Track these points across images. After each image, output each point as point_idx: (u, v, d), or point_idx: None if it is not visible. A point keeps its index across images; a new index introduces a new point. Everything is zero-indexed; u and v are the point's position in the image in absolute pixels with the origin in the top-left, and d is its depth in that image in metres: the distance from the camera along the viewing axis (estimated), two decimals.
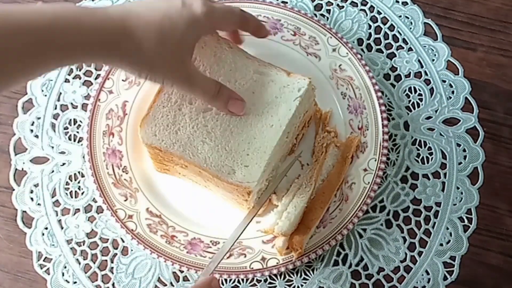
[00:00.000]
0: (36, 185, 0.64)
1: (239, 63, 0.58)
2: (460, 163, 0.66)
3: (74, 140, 0.66)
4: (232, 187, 0.55)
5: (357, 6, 0.73)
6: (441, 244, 0.63)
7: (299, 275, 0.61)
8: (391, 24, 0.72)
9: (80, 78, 0.68)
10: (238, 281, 0.60)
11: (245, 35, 0.68)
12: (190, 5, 0.50)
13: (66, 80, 0.68)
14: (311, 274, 0.61)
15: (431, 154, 0.66)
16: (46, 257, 0.61)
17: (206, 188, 0.61)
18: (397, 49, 0.71)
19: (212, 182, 0.57)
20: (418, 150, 0.66)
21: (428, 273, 0.62)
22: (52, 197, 0.63)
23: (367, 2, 0.73)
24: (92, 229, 0.62)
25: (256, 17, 0.59)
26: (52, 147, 0.65)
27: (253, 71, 0.58)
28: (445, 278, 0.62)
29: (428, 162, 0.66)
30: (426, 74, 0.70)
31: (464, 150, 0.66)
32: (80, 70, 0.69)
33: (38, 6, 0.42)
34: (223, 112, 0.56)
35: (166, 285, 0.61)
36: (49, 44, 0.42)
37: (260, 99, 0.57)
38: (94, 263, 0.61)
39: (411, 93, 0.69)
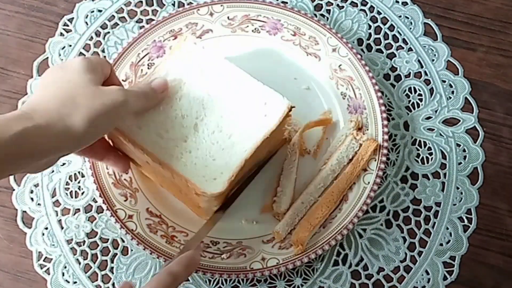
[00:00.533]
0: (36, 185, 0.64)
1: (215, 77, 0.57)
2: (460, 163, 0.66)
3: None
4: (189, 188, 0.54)
5: (357, 6, 0.73)
6: (441, 244, 0.63)
7: (299, 275, 0.61)
8: (391, 24, 0.72)
9: None
10: (238, 281, 0.60)
11: (245, 35, 0.69)
12: (67, 64, 0.49)
13: None
14: (311, 274, 0.61)
15: (431, 154, 0.66)
16: (46, 257, 0.61)
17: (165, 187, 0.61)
18: (397, 49, 0.71)
19: (176, 185, 0.57)
20: (418, 150, 0.66)
21: (428, 273, 0.62)
22: (52, 197, 0.63)
23: (367, 2, 0.73)
24: (92, 229, 0.62)
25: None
26: None
27: (232, 85, 0.56)
28: (445, 278, 0.62)
29: (428, 162, 0.66)
30: (426, 74, 0.70)
31: (464, 150, 0.66)
32: None
33: None
34: (159, 101, 0.54)
35: None
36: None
37: (237, 114, 0.55)
38: (94, 263, 0.61)
39: (411, 93, 0.69)
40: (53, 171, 0.64)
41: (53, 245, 0.61)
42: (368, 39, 0.71)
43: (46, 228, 0.62)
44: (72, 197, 0.63)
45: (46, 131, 0.44)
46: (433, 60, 0.70)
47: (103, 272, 0.61)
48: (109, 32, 0.70)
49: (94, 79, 0.48)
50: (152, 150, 0.53)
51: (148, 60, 0.66)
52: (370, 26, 0.72)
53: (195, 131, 0.55)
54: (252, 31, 0.69)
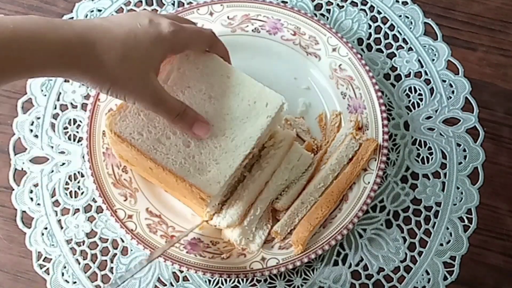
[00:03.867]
0: (35, 185, 0.64)
1: (211, 75, 0.57)
2: (460, 163, 0.66)
3: (74, 140, 0.65)
4: (193, 192, 0.54)
5: (357, 5, 0.73)
6: (441, 244, 0.63)
7: (299, 275, 0.61)
8: (391, 24, 0.72)
9: None
10: (238, 281, 0.60)
11: (245, 35, 0.69)
12: (158, 24, 0.50)
13: (66, 80, 0.68)
14: (311, 274, 0.61)
15: (431, 154, 0.66)
16: (45, 257, 0.61)
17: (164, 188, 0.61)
18: (397, 49, 0.71)
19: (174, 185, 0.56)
20: (418, 150, 0.66)
21: (428, 273, 0.62)
22: (52, 197, 0.63)
23: (367, 2, 0.73)
24: (92, 229, 0.62)
25: (223, 44, 0.58)
26: (52, 147, 0.65)
27: (225, 82, 0.57)
28: (445, 278, 0.62)
29: (428, 162, 0.66)
30: (426, 74, 0.70)
31: (464, 150, 0.66)
32: None
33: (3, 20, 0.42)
34: (187, 133, 0.54)
35: (166, 285, 0.61)
36: (6, 58, 0.41)
37: (238, 117, 0.55)
38: (94, 263, 0.61)
39: (411, 93, 0.69)
40: (52, 171, 0.64)
41: (53, 245, 0.61)
42: (368, 38, 0.71)
43: (46, 228, 0.62)
44: (71, 197, 0.63)
45: (83, 48, 0.45)
46: (433, 59, 0.70)
47: (102, 272, 0.61)
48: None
49: (156, 56, 0.50)
50: (155, 156, 0.53)
51: None
52: (370, 26, 0.72)
53: None
54: (252, 30, 0.69)
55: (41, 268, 0.60)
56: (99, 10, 0.71)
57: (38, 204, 0.63)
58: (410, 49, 0.71)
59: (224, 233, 0.59)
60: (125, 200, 0.61)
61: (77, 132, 0.66)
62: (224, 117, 0.55)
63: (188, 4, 0.71)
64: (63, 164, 0.64)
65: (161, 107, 0.51)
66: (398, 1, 0.73)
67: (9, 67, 0.42)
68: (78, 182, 0.64)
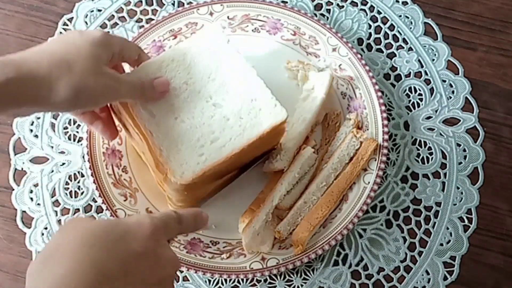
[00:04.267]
0: (35, 185, 0.64)
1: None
2: (460, 163, 0.66)
3: (74, 140, 0.65)
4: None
5: (357, 5, 0.73)
6: (441, 244, 0.63)
7: (299, 275, 0.61)
8: (391, 24, 0.72)
9: None
10: (238, 281, 0.60)
11: (245, 35, 0.69)
12: (88, 32, 0.49)
13: None
14: (311, 274, 0.61)
15: (431, 154, 0.66)
16: None
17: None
18: (397, 49, 0.71)
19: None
20: (418, 150, 0.66)
21: (428, 273, 0.62)
22: (52, 197, 0.63)
23: (367, 2, 0.73)
24: None
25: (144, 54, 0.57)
26: (52, 147, 0.65)
27: (240, 84, 0.56)
28: (445, 278, 0.61)
29: (428, 162, 0.66)
30: (426, 74, 0.70)
31: (464, 150, 0.66)
32: None
33: None
34: (155, 99, 0.54)
35: None
36: None
37: (235, 114, 0.55)
38: None
39: (411, 93, 0.69)
40: (52, 171, 0.64)
41: None
42: (368, 38, 0.71)
43: (46, 228, 0.62)
44: (71, 197, 0.63)
45: (28, 83, 0.42)
46: (433, 59, 0.70)
47: None
48: (108, 32, 0.70)
49: (101, 55, 0.47)
50: (148, 127, 0.53)
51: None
52: (370, 26, 0.72)
53: (192, 110, 0.55)
54: (252, 30, 0.69)
55: None
56: (99, 10, 0.71)
57: (38, 204, 0.63)
58: (410, 49, 0.71)
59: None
60: (125, 200, 0.61)
61: (77, 132, 0.66)
62: (225, 112, 0.55)
63: (188, 4, 0.71)
64: (63, 164, 0.64)
65: (122, 93, 0.50)
66: (398, 1, 0.73)
67: None
68: (78, 182, 0.64)
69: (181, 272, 0.61)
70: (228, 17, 0.68)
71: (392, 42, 0.71)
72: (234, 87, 0.56)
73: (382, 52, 0.71)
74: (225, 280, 0.60)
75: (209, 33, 0.58)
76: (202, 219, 0.48)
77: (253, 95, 0.55)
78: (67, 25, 0.70)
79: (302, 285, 0.61)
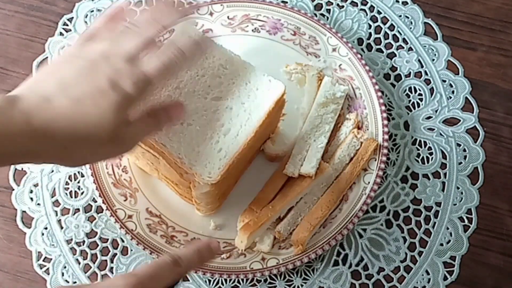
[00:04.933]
0: (35, 185, 0.64)
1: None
2: (460, 163, 0.66)
3: None
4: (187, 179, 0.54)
5: (357, 5, 0.73)
6: (441, 244, 0.63)
7: (299, 275, 0.61)
8: (391, 24, 0.72)
9: None
10: (238, 281, 0.60)
11: (245, 35, 0.69)
12: (118, 85, 0.44)
13: None
14: (311, 274, 0.61)
15: (431, 154, 0.66)
16: (45, 257, 0.61)
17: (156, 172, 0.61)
18: (397, 49, 0.71)
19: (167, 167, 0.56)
20: (418, 150, 0.66)
21: (428, 273, 0.62)
22: (52, 197, 0.63)
23: (367, 2, 0.73)
24: (92, 229, 0.62)
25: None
26: None
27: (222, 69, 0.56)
28: (445, 278, 0.61)
29: (428, 162, 0.66)
30: (426, 74, 0.70)
31: (464, 150, 0.66)
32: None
33: None
34: (172, 124, 0.53)
35: None
36: None
37: (232, 103, 0.55)
38: (94, 263, 0.61)
39: (411, 93, 0.69)
40: (52, 171, 0.64)
41: (53, 245, 0.61)
42: (368, 38, 0.71)
43: (46, 228, 0.62)
44: (71, 197, 0.63)
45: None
46: (433, 59, 0.70)
47: (102, 272, 0.61)
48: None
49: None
50: (160, 140, 0.53)
51: None
52: (370, 26, 0.72)
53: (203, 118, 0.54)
54: (252, 30, 0.69)
55: (41, 268, 0.60)
56: (99, 10, 0.71)
57: (38, 204, 0.63)
58: (410, 49, 0.71)
59: (236, 241, 0.59)
60: (125, 200, 0.61)
61: None
62: (231, 105, 0.55)
63: (188, 4, 0.71)
64: None
65: (138, 139, 0.49)
66: (398, 1, 0.73)
67: None
68: (78, 182, 0.64)
69: None
70: (228, 17, 0.68)
71: (392, 42, 0.71)
72: (224, 76, 0.56)
73: (382, 52, 0.71)
74: (225, 280, 0.60)
75: (182, 32, 0.57)
76: (210, 251, 0.47)
77: (245, 79, 0.56)
78: (67, 25, 0.70)
79: (302, 285, 0.61)
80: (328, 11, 0.72)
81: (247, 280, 0.60)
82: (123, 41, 0.46)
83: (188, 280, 0.61)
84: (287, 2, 0.72)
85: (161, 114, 0.49)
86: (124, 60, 0.45)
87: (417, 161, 0.66)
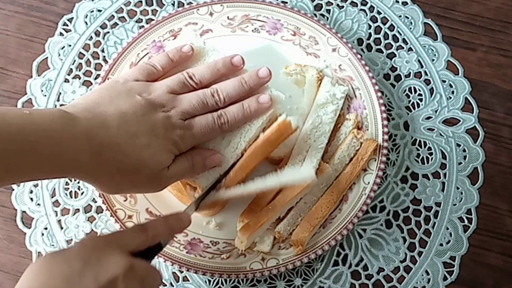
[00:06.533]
0: (35, 185, 0.64)
1: None
2: (460, 163, 0.66)
3: None
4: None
5: (357, 6, 0.73)
6: (441, 244, 0.63)
7: (299, 275, 0.61)
8: (391, 24, 0.72)
9: (80, 78, 0.68)
10: (238, 282, 0.60)
11: (245, 35, 0.69)
12: (171, 134, 0.50)
13: (66, 80, 0.68)
14: (311, 274, 0.61)
15: (431, 154, 0.66)
16: None
17: None
18: (397, 49, 0.71)
19: None
20: (418, 150, 0.66)
21: (428, 273, 0.62)
22: (52, 197, 0.63)
23: (367, 2, 0.73)
24: (92, 229, 0.62)
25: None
26: None
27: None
28: (445, 278, 0.62)
29: (428, 162, 0.66)
30: (426, 74, 0.70)
31: (464, 150, 0.66)
32: (80, 70, 0.69)
33: (23, 118, 0.41)
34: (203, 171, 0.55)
35: (166, 285, 0.60)
36: (20, 164, 0.41)
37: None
38: None
39: (411, 93, 0.69)
40: None
41: (53, 245, 0.61)
42: (368, 39, 0.71)
43: (46, 228, 0.62)
44: (71, 197, 0.63)
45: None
46: (433, 60, 0.70)
47: None
48: (108, 32, 0.70)
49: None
50: None
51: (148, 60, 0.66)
52: (370, 26, 0.72)
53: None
54: (252, 31, 0.69)
55: None
56: (99, 10, 0.71)
57: (38, 204, 0.63)
58: (410, 49, 0.71)
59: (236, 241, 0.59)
60: (125, 200, 0.61)
61: None
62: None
63: (188, 4, 0.71)
64: None
65: (174, 180, 0.53)
66: (398, 1, 0.73)
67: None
68: (78, 183, 0.64)
69: (181, 272, 0.61)
70: (228, 17, 0.68)
71: (392, 43, 0.71)
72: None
73: (382, 52, 0.71)
74: (225, 280, 0.60)
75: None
76: (179, 220, 0.50)
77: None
78: (67, 25, 0.70)
79: (302, 285, 0.61)
80: (328, 11, 0.72)
81: (247, 280, 0.60)
82: (184, 98, 0.52)
83: (188, 280, 0.61)
84: (287, 2, 0.72)
85: (197, 160, 0.53)
86: (180, 115, 0.51)
87: (417, 161, 0.66)
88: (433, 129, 0.67)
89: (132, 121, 0.48)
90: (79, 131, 0.44)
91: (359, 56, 0.66)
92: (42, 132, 0.42)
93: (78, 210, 0.63)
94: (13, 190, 0.63)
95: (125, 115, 0.47)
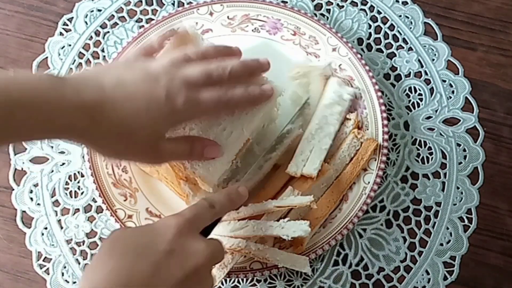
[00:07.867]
0: (35, 185, 0.64)
1: None
2: (460, 163, 0.66)
3: None
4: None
5: (357, 5, 0.73)
6: (441, 244, 0.63)
7: (299, 275, 0.61)
8: (391, 24, 0.72)
9: None
10: (238, 281, 0.60)
11: (245, 35, 0.69)
12: (174, 99, 0.47)
13: None
14: (311, 274, 0.61)
15: (431, 154, 0.66)
16: (45, 257, 0.61)
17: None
18: (397, 49, 0.71)
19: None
20: (418, 150, 0.66)
21: (428, 273, 0.62)
22: (52, 197, 0.63)
23: (367, 2, 0.73)
24: (92, 229, 0.62)
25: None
26: (52, 147, 0.65)
27: None
28: (445, 278, 0.61)
29: (428, 162, 0.66)
30: (426, 73, 0.70)
31: (464, 150, 0.66)
32: (80, 70, 0.68)
33: (7, 79, 0.40)
34: (199, 160, 0.54)
35: None
36: (6, 124, 0.40)
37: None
38: None
39: (411, 93, 0.69)
40: (52, 171, 0.64)
41: (53, 245, 0.61)
42: (368, 38, 0.71)
43: (46, 228, 0.62)
44: (71, 197, 0.63)
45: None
46: (433, 59, 0.70)
47: None
48: (108, 32, 0.70)
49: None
50: None
51: None
52: (370, 26, 0.72)
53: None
54: (252, 30, 0.69)
55: (41, 268, 0.60)
56: (99, 10, 0.71)
57: (38, 204, 0.63)
58: (410, 49, 0.71)
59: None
60: (125, 200, 0.61)
61: None
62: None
63: (188, 4, 0.71)
64: (63, 164, 0.64)
65: (169, 159, 0.53)
66: (398, 1, 0.73)
67: (7, 132, 0.41)
68: (78, 182, 0.64)
69: None
70: (228, 17, 0.68)
71: (392, 42, 0.71)
72: None
73: (382, 52, 0.71)
74: (225, 280, 0.60)
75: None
76: (239, 194, 0.53)
77: None
78: (67, 25, 0.70)
79: (302, 285, 0.61)
80: (328, 11, 0.72)
81: (247, 280, 0.60)
82: (189, 66, 0.50)
83: None
84: (287, 2, 0.72)
85: (196, 146, 0.52)
86: (184, 82, 0.48)
87: (417, 161, 0.66)
88: (433, 129, 0.67)
89: (131, 85, 0.46)
90: (70, 90, 0.43)
91: (359, 55, 0.66)
92: (29, 91, 0.41)
93: (78, 209, 0.63)
94: (13, 190, 0.63)
95: (123, 79, 0.46)
